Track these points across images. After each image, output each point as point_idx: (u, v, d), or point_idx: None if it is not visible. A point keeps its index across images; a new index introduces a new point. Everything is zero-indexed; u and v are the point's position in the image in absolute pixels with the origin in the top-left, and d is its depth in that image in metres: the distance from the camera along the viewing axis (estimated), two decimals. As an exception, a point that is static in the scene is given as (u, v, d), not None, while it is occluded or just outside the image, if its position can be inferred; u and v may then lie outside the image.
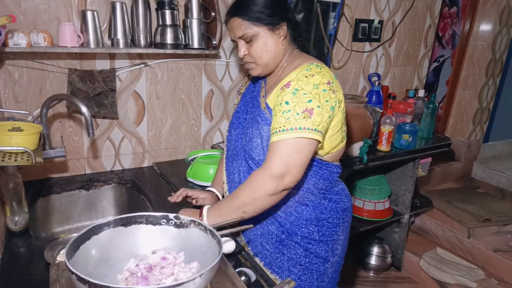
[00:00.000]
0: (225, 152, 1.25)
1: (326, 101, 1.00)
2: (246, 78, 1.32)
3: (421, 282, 2.28)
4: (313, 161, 1.09)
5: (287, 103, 0.99)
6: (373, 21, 2.25)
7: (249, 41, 1.07)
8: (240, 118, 1.20)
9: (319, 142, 1.00)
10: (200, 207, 1.15)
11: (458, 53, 2.83)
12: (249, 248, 1.18)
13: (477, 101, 2.88)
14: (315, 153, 1.08)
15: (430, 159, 2.29)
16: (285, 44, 1.11)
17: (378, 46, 2.36)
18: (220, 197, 1.30)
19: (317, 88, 0.99)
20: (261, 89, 1.15)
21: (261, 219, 1.13)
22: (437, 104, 2.27)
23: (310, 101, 0.98)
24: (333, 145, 1.11)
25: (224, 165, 1.24)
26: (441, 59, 2.90)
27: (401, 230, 2.30)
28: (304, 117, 0.97)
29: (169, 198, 1.29)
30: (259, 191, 0.98)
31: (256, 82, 1.21)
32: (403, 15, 2.39)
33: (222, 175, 1.25)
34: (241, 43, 1.09)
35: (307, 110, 0.97)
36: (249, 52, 1.09)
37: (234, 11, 1.07)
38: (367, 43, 2.31)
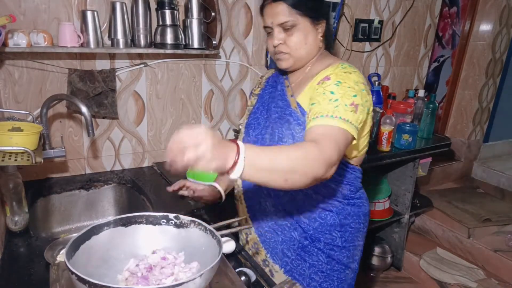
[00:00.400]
0: None
1: (366, 101, 0.96)
2: (260, 79, 1.28)
3: (421, 282, 2.28)
4: (341, 164, 1.03)
5: (332, 92, 0.92)
6: (373, 21, 2.25)
7: (287, 29, 1.01)
8: (259, 118, 1.15)
9: (353, 140, 0.92)
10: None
11: (458, 53, 2.83)
12: (268, 256, 1.14)
13: (477, 101, 2.88)
14: (344, 155, 1.02)
15: (430, 159, 2.29)
16: (321, 42, 1.07)
17: (378, 46, 2.36)
18: (222, 193, 1.22)
19: (357, 85, 0.95)
20: (285, 88, 1.10)
21: (283, 225, 1.10)
22: (437, 104, 2.27)
23: (355, 95, 0.92)
24: (361, 147, 1.07)
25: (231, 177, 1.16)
26: (441, 59, 2.90)
27: (401, 230, 2.30)
28: (351, 111, 0.90)
29: (167, 188, 1.26)
30: (310, 170, 0.80)
31: (275, 82, 1.16)
32: (403, 15, 2.39)
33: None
34: (278, 30, 1.02)
35: (354, 104, 0.91)
36: (285, 42, 1.02)
37: None
38: (367, 43, 2.31)
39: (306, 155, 0.81)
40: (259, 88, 1.23)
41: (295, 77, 1.11)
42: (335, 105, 0.90)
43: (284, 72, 1.14)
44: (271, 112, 1.11)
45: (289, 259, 1.10)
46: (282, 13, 0.99)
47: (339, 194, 1.08)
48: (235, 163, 0.71)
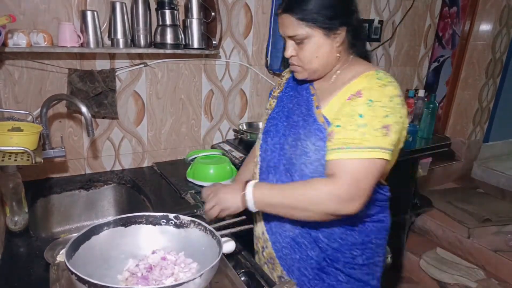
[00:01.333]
0: (259, 163, 1.10)
1: (401, 117, 0.88)
2: (280, 80, 1.18)
3: (421, 282, 2.28)
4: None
5: (361, 116, 0.86)
6: (373, 21, 2.25)
7: (299, 42, 0.94)
8: (279, 125, 1.07)
9: (387, 162, 0.88)
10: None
11: (458, 53, 2.83)
12: (285, 273, 1.07)
13: (477, 101, 2.88)
14: None
15: (430, 159, 2.29)
16: (341, 51, 0.97)
17: (378, 46, 2.36)
18: None
19: (392, 101, 0.87)
20: (311, 97, 1.01)
21: (300, 243, 1.03)
22: (437, 104, 2.27)
23: (387, 116, 0.86)
24: (391, 164, 1.00)
25: (258, 177, 1.10)
26: (441, 59, 2.90)
27: (401, 230, 2.30)
28: (382, 135, 0.84)
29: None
30: (319, 206, 0.86)
31: (298, 86, 1.07)
32: (403, 15, 2.39)
33: (245, 177, 1.15)
34: (290, 43, 0.96)
35: (385, 126, 0.85)
36: (297, 54, 0.96)
37: (287, 7, 0.92)
38: (367, 43, 2.31)
39: (312, 191, 0.88)
40: (278, 90, 1.15)
41: (320, 83, 1.02)
42: (363, 133, 0.85)
43: None
44: (292, 119, 1.03)
45: (307, 279, 1.04)
46: (290, 26, 0.92)
47: (364, 214, 1.00)
48: (243, 198, 0.96)
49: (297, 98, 1.05)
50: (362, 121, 0.86)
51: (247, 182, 0.97)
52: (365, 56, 1.04)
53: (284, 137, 1.04)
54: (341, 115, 0.90)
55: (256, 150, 1.14)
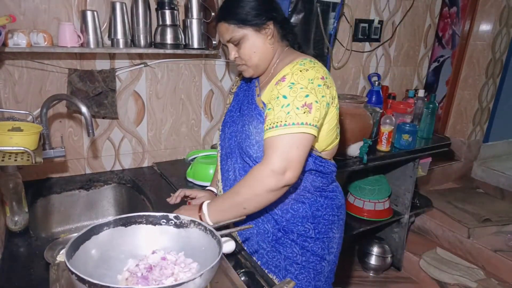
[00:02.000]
0: (219, 151, 1.25)
1: (323, 96, 1.00)
2: (237, 77, 1.32)
3: (421, 282, 2.28)
4: (312, 158, 1.09)
5: (284, 97, 0.99)
6: (373, 21, 2.25)
7: (237, 44, 1.08)
8: (234, 116, 1.20)
9: (314, 137, 1.01)
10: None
11: (458, 53, 2.83)
12: (245, 248, 1.17)
13: (477, 101, 2.88)
14: (314, 149, 1.09)
15: (430, 159, 2.29)
16: (273, 42, 1.10)
17: (378, 46, 2.36)
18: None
19: (312, 83, 0.99)
20: (255, 88, 1.16)
21: (257, 218, 1.13)
22: (437, 104, 2.27)
23: (307, 95, 0.98)
24: (329, 141, 1.11)
25: (219, 163, 1.24)
26: (441, 59, 2.90)
27: (401, 230, 2.30)
28: (304, 112, 0.96)
29: (167, 200, 1.29)
30: (260, 187, 0.97)
31: (248, 81, 1.21)
32: (403, 15, 2.39)
33: (218, 173, 1.25)
34: (231, 46, 1.10)
35: (306, 105, 0.97)
36: (239, 54, 1.09)
37: (221, 16, 1.08)
38: (367, 43, 2.31)
39: (250, 178, 0.99)
40: (235, 87, 1.28)
41: (263, 77, 1.16)
42: (287, 111, 0.97)
43: None
44: (243, 110, 1.16)
45: (265, 251, 1.13)
46: (226, 31, 1.07)
47: (310, 187, 1.12)
48: (201, 218, 1.05)
49: (247, 91, 1.19)
50: (286, 102, 0.98)
51: (201, 203, 1.08)
52: (301, 48, 1.18)
53: (237, 125, 1.16)
54: (270, 98, 1.03)
55: (217, 140, 1.28)
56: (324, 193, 1.15)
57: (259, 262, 1.14)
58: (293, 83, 0.99)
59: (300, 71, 1.01)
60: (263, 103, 1.09)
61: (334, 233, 1.18)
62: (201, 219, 1.05)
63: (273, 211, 1.12)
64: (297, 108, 0.96)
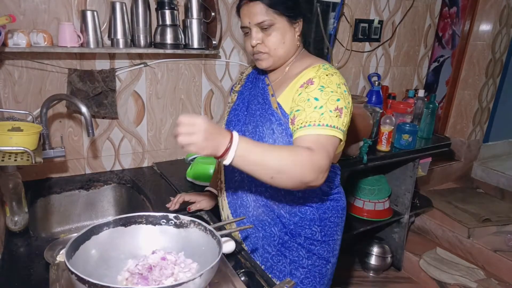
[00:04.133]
0: None
1: (348, 102, 0.98)
2: (240, 75, 1.28)
3: (421, 282, 2.28)
4: None
5: (316, 99, 0.95)
6: (373, 21, 2.25)
7: (265, 29, 1.01)
8: (240, 115, 1.16)
9: (340, 142, 0.97)
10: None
11: (458, 53, 2.83)
12: (249, 252, 1.15)
13: (477, 101, 2.88)
14: None
15: (430, 159, 2.29)
16: (299, 40, 1.08)
17: (378, 46, 2.36)
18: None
19: (339, 87, 0.97)
20: (266, 86, 1.11)
21: (264, 221, 1.11)
22: (437, 104, 2.27)
23: (338, 100, 0.95)
24: (341, 146, 1.09)
25: (222, 165, 1.19)
26: (441, 59, 2.90)
27: (401, 230, 2.30)
28: (336, 116, 0.93)
29: (167, 206, 1.28)
30: (298, 170, 0.85)
31: (255, 79, 1.17)
32: (403, 15, 2.39)
33: (220, 174, 1.23)
34: (256, 30, 1.02)
35: (338, 109, 0.94)
36: (263, 41, 1.03)
37: None
38: (367, 43, 2.31)
39: (298, 158, 0.86)
40: (239, 85, 1.23)
41: (275, 75, 1.12)
42: (321, 113, 0.93)
43: (263, 70, 1.14)
44: (251, 109, 1.12)
45: (270, 255, 1.12)
46: (260, 12, 1.00)
47: (318, 190, 1.10)
48: (226, 152, 0.81)
49: (255, 90, 1.15)
50: (319, 104, 0.94)
51: (232, 134, 0.84)
52: (309, 51, 1.15)
53: (245, 125, 1.12)
54: (298, 101, 0.98)
55: None
56: (330, 196, 1.14)
57: (263, 267, 1.12)
58: (323, 87, 0.96)
59: (326, 75, 0.98)
60: (279, 105, 1.04)
61: (338, 236, 1.17)
62: (228, 148, 0.82)
63: (281, 214, 1.10)
64: (330, 111, 0.93)
